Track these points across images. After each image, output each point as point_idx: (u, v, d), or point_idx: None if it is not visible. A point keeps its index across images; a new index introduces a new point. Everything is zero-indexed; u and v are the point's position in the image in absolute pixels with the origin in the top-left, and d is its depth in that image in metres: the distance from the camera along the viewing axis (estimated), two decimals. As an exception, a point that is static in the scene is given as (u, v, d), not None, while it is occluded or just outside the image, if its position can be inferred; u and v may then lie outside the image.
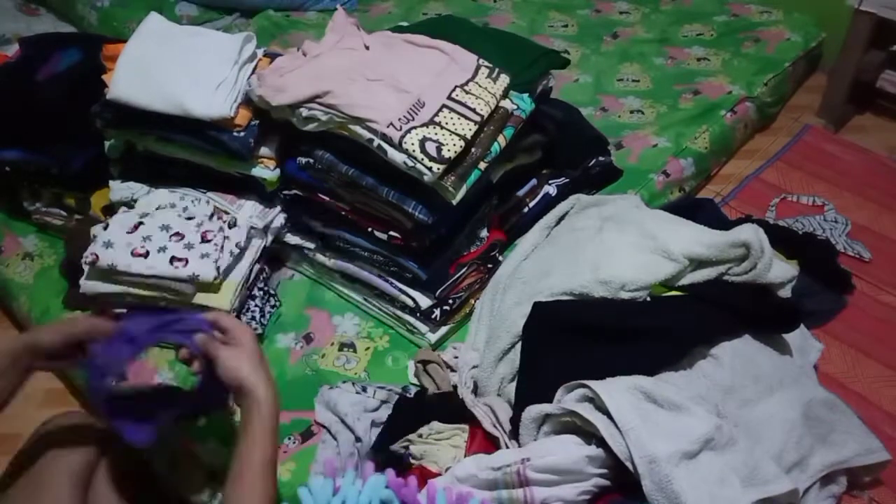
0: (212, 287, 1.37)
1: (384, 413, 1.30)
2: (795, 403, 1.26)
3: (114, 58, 1.41)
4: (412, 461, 1.17)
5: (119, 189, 1.50)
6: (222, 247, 1.38)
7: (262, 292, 1.50)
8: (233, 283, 1.40)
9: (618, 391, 1.11)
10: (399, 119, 1.24)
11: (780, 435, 1.21)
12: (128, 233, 1.37)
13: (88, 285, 1.38)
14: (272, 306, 1.51)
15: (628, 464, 1.05)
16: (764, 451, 1.17)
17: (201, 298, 1.38)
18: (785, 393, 1.28)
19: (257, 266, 1.48)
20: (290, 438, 1.31)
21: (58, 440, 1.19)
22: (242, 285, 1.42)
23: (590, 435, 1.12)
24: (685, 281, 1.32)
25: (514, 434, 1.21)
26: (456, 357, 1.38)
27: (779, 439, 1.21)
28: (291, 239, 1.54)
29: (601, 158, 1.75)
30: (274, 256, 1.60)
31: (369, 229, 1.39)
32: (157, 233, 1.37)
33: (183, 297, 1.37)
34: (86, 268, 1.37)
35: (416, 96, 1.28)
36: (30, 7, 2.61)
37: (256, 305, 1.47)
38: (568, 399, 1.16)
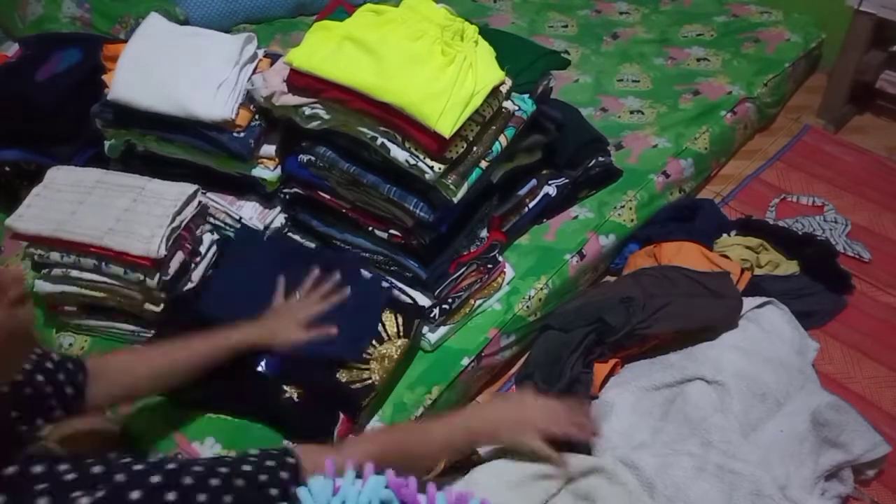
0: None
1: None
2: (804, 412, 1.26)
3: (114, 58, 1.41)
4: None
5: (119, 189, 1.50)
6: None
7: None
8: None
9: None
10: (400, 118, 1.24)
11: (794, 449, 1.22)
12: None
13: (39, 285, 1.39)
14: None
15: None
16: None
17: None
18: (792, 404, 1.28)
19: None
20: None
21: (55, 441, 1.19)
22: None
23: None
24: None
25: None
26: None
27: (792, 455, 1.22)
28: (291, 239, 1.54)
29: (601, 159, 1.75)
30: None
31: (370, 228, 1.39)
32: None
33: (132, 301, 1.36)
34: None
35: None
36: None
37: None
38: None
